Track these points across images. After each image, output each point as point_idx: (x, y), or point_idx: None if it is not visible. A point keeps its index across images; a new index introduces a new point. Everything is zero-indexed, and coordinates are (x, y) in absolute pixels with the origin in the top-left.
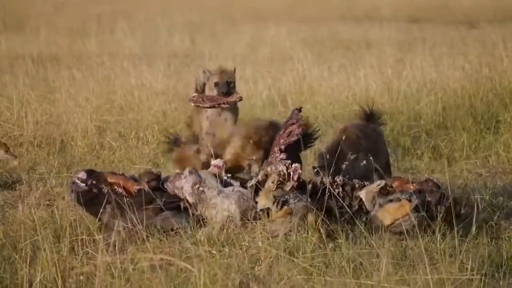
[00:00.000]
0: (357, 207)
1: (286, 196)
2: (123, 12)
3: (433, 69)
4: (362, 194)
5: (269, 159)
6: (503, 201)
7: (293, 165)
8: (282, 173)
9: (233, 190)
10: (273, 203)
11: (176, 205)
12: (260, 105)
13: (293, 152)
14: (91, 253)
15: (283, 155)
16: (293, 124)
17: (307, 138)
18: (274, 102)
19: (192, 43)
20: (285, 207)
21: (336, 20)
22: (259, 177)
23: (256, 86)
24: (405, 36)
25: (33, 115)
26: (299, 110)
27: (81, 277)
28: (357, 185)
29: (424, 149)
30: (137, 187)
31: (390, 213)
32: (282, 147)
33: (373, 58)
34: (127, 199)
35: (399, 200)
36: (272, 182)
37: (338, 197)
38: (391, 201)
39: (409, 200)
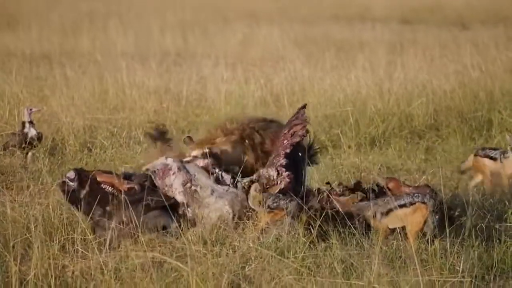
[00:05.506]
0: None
1: (276, 201)
2: (115, 10)
3: (425, 71)
4: None
5: (272, 160)
6: (494, 203)
7: (284, 173)
8: (272, 178)
9: (227, 190)
10: (261, 205)
11: (163, 205)
12: (252, 105)
13: (295, 156)
14: (82, 251)
15: (283, 161)
16: (298, 124)
17: (308, 152)
18: (266, 102)
19: (185, 42)
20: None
21: (329, 20)
22: (253, 177)
23: (248, 86)
24: (397, 37)
25: None
26: (304, 107)
27: (75, 273)
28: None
29: (415, 151)
30: (127, 186)
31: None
32: (288, 150)
33: (365, 59)
34: (117, 197)
35: (412, 204)
36: (255, 190)
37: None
38: (402, 206)
39: (424, 203)
